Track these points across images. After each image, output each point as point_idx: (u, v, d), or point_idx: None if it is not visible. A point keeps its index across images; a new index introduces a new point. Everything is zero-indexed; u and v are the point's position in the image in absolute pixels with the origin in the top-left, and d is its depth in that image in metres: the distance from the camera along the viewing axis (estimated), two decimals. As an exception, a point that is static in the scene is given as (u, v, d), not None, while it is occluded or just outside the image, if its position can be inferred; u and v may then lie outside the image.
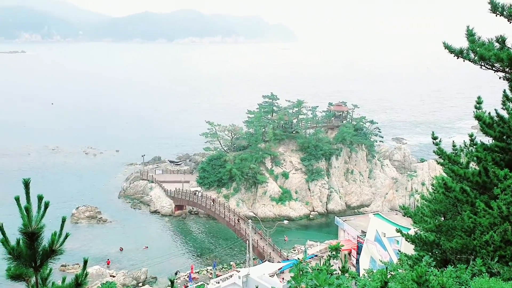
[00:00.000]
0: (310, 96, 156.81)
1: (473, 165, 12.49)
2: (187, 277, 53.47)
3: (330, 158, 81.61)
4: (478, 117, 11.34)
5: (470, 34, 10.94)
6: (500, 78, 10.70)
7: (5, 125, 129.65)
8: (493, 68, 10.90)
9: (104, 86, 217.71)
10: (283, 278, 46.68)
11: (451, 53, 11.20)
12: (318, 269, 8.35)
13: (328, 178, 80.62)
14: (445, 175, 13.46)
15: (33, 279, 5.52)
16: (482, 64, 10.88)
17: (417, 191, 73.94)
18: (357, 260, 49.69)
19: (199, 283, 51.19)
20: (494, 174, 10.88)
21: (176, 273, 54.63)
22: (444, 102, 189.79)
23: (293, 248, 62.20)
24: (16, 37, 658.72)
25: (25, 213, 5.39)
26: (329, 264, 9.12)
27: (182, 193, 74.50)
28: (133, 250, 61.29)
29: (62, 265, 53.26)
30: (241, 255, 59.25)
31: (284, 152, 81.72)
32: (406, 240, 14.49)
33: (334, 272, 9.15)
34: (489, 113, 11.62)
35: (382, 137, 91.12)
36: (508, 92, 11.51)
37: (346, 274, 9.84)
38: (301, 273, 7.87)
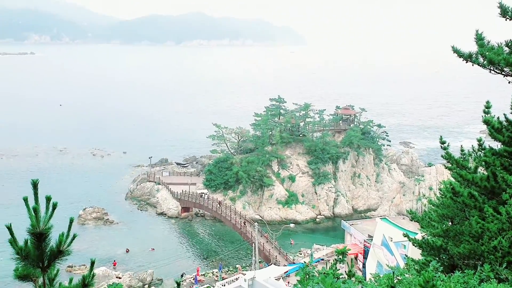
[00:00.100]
0: (317, 99, 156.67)
1: (481, 170, 12.41)
2: (193, 279, 53.48)
3: (337, 161, 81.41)
4: (486, 122, 11.27)
5: (479, 38, 10.89)
6: (509, 82, 10.62)
7: (14, 126, 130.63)
8: (503, 73, 10.83)
9: (112, 88, 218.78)
10: (289, 282, 46.57)
11: (460, 57, 11.14)
12: (324, 273, 8.33)
13: (335, 181, 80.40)
14: (453, 179, 13.38)
15: (41, 280, 5.55)
16: (491, 68, 10.81)
17: (424, 195, 73.55)
18: (364, 264, 49.48)
19: (205, 286, 51.20)
20: (503, 179, 10.80)
21: (182, 275, 54.67)
22: (452, 106, 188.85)
23: (299, 251, 62.05)
24: (26, 39, 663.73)
25: (33, 214, 5.43)
26: (336, 268, 9.10)
27: (189, 195, 74.62)
28: (140, 252, 61.42)
29: (68, 266, 53.49)
30: (247, 258, 59.19)
31: (291, 155, 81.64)
32: (413, 245, 14.41)
33: (341, 276, 9.12)
34: (498, 118, 11.55)
35: (390, 141, 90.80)
36: (517, 96, 11.42)
37: (353, 279, 9.81)
38: (307, 276, 7.86)
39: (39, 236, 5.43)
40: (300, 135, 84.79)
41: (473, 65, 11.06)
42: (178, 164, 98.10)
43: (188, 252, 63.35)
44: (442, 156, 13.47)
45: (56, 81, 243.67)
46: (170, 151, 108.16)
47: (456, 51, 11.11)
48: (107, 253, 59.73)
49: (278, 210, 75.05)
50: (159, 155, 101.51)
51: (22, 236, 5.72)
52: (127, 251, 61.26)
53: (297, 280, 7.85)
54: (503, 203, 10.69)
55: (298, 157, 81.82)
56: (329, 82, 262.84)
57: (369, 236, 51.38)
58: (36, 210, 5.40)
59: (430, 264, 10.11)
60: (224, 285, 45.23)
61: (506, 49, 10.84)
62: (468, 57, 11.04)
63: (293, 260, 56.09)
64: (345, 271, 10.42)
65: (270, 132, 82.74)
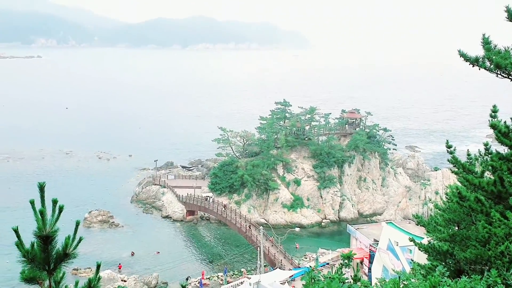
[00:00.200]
0: (322, 102, 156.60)
1: (488, 175, 12.34)
2: (198, 283, 53.46)
3: (342, 165, 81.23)
4: (493, 126, 11.21)
5: (486, 42, 10.85)
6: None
7: (21, 129, 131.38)
8: (509, 77, 10.79)
9: (118, 92, 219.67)
10: (294, 286, 46.48)
11: (466, 61, 11.10)
12: (330, 277, 8.30)
13: (340, 185, 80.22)
14: (459, 184, 13.32)
15: (47, 282, 5.56)
16: (498, 72, 10.77)
17: (430, 200, 73.23)
18: (369, 269, 49.28)
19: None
20: (510, 183, 10.73)
21: (187, 279, 54.67)
22: (458, 110, 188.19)
23: (305, 255, 61.91)
24: (33, 42, 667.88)
25: (40, 217, 5.45)
26: (341, 272, 9.07)
27: (194, 199, 74.67)
28: (145, 255, 61.49)
29: (74, 269, 53.58)
30: (252, 262, 59.12)
31: (296, 159, 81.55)
32: (419, 249, 14.34)
33: (346, 281, 9.08)
34: (505, 122, 11.48)
35: (396, 145, 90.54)
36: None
37: (358, 283, 9.77)
38: (313, 281, 7.84)
39: (45, 239, 5.45)
40: (306, 138, 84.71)
41: (479, 69, 11.01)
42: (183, 167, 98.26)
43: (193, 255, 63.34)
44: (448, 161, 13.40)
45: (63, 84, 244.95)
46: (175, 154, 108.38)
47: (462, 55, 11.07)
48: (113, 256, 59.83)
49: (283, 214, 74.93)
50: (165, 158, 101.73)
51: (28, 239, 5.74)
52: (132, 254, 61.33)
53: (303, 285, 7.83)
54: (510, 208, 10.62)
55: (304, 160, 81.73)
56: (335, 85, 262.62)
57: (375, 240, 51.18)
58: (42, 213, 5.42)
59: (436, 269, 10.06)
60: (229, 289, 45.17)
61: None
62: (474, 61, 10.99)
63: (298, 264, 55.95)
64: (351, 276, 10.38)
65: (276, 136, 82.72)
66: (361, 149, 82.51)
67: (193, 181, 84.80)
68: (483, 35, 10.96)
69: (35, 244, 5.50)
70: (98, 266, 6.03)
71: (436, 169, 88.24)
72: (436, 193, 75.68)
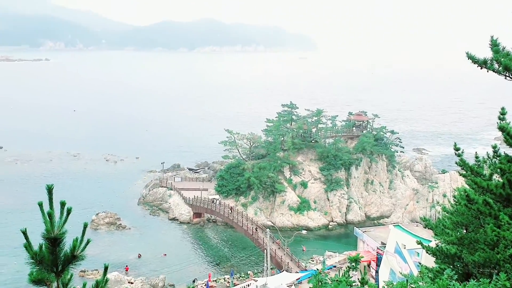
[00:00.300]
0: (329, 105, 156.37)
1: (496, 177, 12.26)
2: (205, 285, 53.47)
3: (349, 168, 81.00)
4: (501, 128, 11.14)
5: (494, 44, 10.79)
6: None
7: (29, 131, 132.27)
8: (518, 79, 10.72)
9: (125, 94, 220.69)
10: (300, 289, 46.32)
11: (474, 63, 11.05)
12: (337, 280, 8.28)
13: (347, 188, 79.99)
14: (467, 186, 13.24)
15: (55, 284, 5.59)
16: (507, 75, 10.71)
17: (438, 202, 72.84)
18: (377, 272, 49.05)
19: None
20: (519, 186, 10.65)
21: (193, 281, 54.70)
22: (466, 112, 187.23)
23: (311, 258, 61.75)
24: (41, 45, 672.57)
25: (48, 219, 5.48)
26: (348, 275, 9.04)
27: (201, 201, 74.76)
28: (152, 257, 61.61)
29: (81, 271, 53.78)
30: (259, 264, 59.05)
31: (303, 161, 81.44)
32: (427, 253, 14.27)
33: (354, 284, 9.06)
34: (514, 124, 11.40)
35: (403, 148, 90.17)
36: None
37: (366, 286, 9.74)
38: (320, 284, 7.82)
39: (53, 241, 5.48)
40: (312, 141, 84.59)
41: (488, 71, 10.96)
42: (190, 169, 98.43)
43: (200, 257, 63.39)
44: (456, 163, 13.34)
45: (70, 87, 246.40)
46: (182, 157, 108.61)
47: (470, 57, 11.02)
48: (120, 258, 59.98)
49: (290, 217, 74.82)
50: (172, 160, 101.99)
51: (37, 240, 5.77)
52: (139, 256, 61.48)
53: (310, 287, 7.81)
54: (519, 211, 10.54)
55: (310, 163, 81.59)
56: (341, 87, 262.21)
57: (382, 243, 50.96)
58: (50, 215, 5.45)
59: (444, 272, 10.00)
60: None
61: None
62: (483, 63, 10.94)
63: (305, 267, 55.82)
64: (358, 279, 10.34)
65: (282, 138, 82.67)
66: (368, 151, 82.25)
67: (199, 184, 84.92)
68: (491, 37, 10.92)
69: (43, 246, 5.53)
70: (106, 268, 6.05)
71: (444, 171, 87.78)
72: (444, 195, 75.27)
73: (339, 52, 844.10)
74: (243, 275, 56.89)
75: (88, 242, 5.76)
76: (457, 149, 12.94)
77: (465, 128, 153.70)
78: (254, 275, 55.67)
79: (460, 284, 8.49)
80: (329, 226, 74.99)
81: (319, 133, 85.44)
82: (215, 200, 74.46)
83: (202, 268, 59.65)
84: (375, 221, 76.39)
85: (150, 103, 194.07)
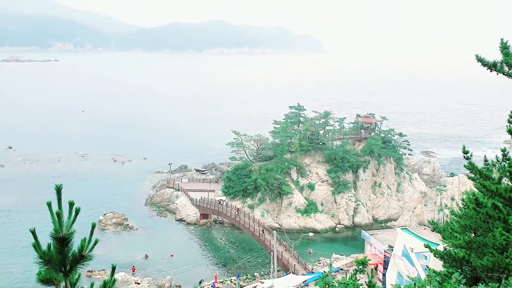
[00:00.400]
0: (337, 107, 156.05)
1: (505, 181, 12.17)
2: (211, 286, 53.49)
3: (357, 170, 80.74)
4: (511, 132, 11.07)
5: (504, 47, 10.71)
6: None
7: (37, 131, 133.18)
8: (528, 82, 10.63)
9: (133, 95, 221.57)
10: (307, 291, 46.19)
11: (484, 66, 10.98)
12: (344, 283, 8.25)
13: (355, 190, 79.71)
14: (476, 190, 13.14)
15: (63, 284, 5.62)
16: (517, 77, 10.62)
17: (446, 206, 72.37)
18: (384, 275, 48.83)
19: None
20: (528, 190, 10.57)
21: (200, 282, 54.75)
22: (475, 115, 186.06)
23: (318, 261, 61.56)
24: (50, 46, 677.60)
25: (57, 219, 5.50)
26: (356, 278, 9.01)
27: (208, 202, 74.84)
28: (158, 258, 61.74)
29: (88, 271, 53.97)
30: (266, 266, 58.98)
31: (310, 163, 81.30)
32: (435, 256, 14.17)
33: (361, 287, 9.02)
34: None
35: (411, 150, 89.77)
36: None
37: (373, 289, 9.68)
38: (327, 286, 7.79)
39: (62, 240, 5.51)
40: (320, 143, 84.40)
41: (497, 74, 10.88)
42: (197, 170, 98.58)
43: (207, 259, 63.43)
44: (465, 166, 13.25)
45: (79, 87, 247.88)
46: (189, 158, 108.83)
47: (480, 60, 10.95)
48: (126, 259, 60.16)
49: (297, 219, 74.69)
50: (179, 161, 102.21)
51: (45, 240, 5.80)
52: (146, 256, 61.63)
53: (317, 290, 7.79)
54: (529, 215, 10.45)
55: (318, 165, 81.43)
56: (349, 89, 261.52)
57: (390, 246, 50.74)
58: (59, 215, 5.48)
59: (452, 276, 9.94)
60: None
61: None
62: (492, 66, 10.87)
63: (312, 269, 55.67)
64: (365, 282, 10.30)
65: (289, 140, 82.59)
66: (376, 154, 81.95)
67: (207, 185, 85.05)
68: (501, 39, 10.83)
69: (51, 246, 5.56)
70: (113, 269, 6.07)
71: (452, 174, 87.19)
72: (452, 199, 74.79)
73: (346, 54, 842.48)
74: (250, 277, 56.85)
75: (96, 242, 5.78)
76: (465, 152, 12.86)
77: (474, 131, 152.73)
78: (261, 277, 55.61)
79: (468, 288, 8.42)
80: (336, 228, 74.74)
81: (327, 135, 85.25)
82: (221, 201, 74.52)
83: (208, 270, 59.68)
84: (383, 224, 76.08)
85: (158, 104, 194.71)
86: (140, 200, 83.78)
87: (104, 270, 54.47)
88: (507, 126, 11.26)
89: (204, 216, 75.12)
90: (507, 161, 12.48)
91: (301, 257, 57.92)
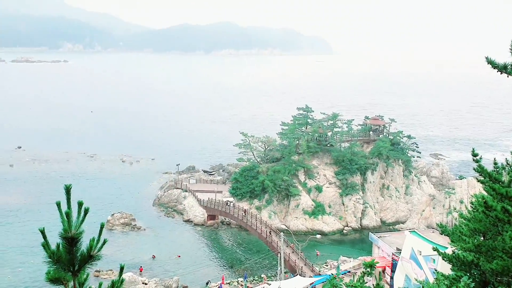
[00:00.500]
0: (345, 109, 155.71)
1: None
2: (218, 287, 53.50)
3: (365, 172, 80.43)
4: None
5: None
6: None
7: (46, 131, 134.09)
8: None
9: (141, 96, 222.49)
10: (314, 293, 46.06)
11: (494, 68, 10.90)
12: (352, 285, 8.22)
13: (363, 193, 79.40)
14: (485, 193, 13.04)
15: (71, 283, 5.64)
16: (527, 80, 10.54)
17: (455, 209, 71.93)
18: (392, 278, 48.57)
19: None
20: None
21: (207, 283, 54.78)
22: (485, 117, 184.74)
23: (326, 263, 61.37)
24: (60, 47, 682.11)
25: (66, 218, 5.53)
26: (363, 281, 8.98)
27: (215, 203, 74.93)
28: (166, 258, 61.89)
29: (96, 271, 54.17)
30: (273, 268, 58.91)
31: (318, 165, 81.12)
32: (443, 259, 14.08)
33: (368, 289, 8.97)
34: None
35: (420, 153, 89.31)
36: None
37: (381, 292, 9.64)
38: (334, 288, 7.77)
39: (70, 240, 5.54)
40: (328, 145, 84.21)
41: (508, 76, 10.80)
42: (205, 171, 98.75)
43: (214, 260, 63.48)
44: (474, 169, 13.15)
45: (88, 88, 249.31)
46: (197, 159, 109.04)
47: (490, 62, 10.88)
48: (134, 259, 60.36)
49: (305, 221, 74.54)
50: (187, 162, 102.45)
51: (54, 240, 5.83)
52: (154, 257, 61.79)
53: (324, 292, 7.78)
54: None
55: (326, 167, 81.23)
56: (358, 91, 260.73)
57: (398, 249, 50.44)
58: (68, 214, 5.51)
59: (461, 280, 9.87)
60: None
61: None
62: (502, 68, 10.79)
63: (319, 271, 55.52)
64: (373, 285, 10.26)
65: (297, 142, 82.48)
66: (384, 156, 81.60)
67: (214, 186, 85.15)
68: (512, 41, 10.75)
69: (60, 246, 5.59)
70: (122, 269, 6.09)
71: (461, 177, 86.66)
72: (461, 202, 74.30)
73: (356, 55, 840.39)
74: (257, 279, 56.82)
75: (104, 242, 5.80)
76: (475, 155, 12.77)
77: (483, 134, 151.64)
78: (268, 279, 55.54)
79: (477, 292, 8.36)
80: (344, 231, 74.49)
81: (335, 137, 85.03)
82: (229, 202, 74.57)
83: (215, 271, 59.73)
84: (391, 227, 75.70)
85: (166, 105, 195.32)
86: (148, 201, 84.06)
87: (111, 270, 54.68)
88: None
89: (211, 217, 75.20)
90: (517, 164, 12.39)
91: (308, 259, 57.80)
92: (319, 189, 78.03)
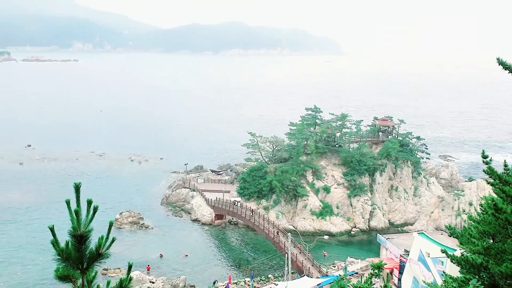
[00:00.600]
0: (354, 109, 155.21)
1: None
2: (225, 287, 53.56)
3: (374, 173, 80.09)
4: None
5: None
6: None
7: (56, 130, 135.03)
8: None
9: (150, 95, 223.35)
10: (321, 294, 45.95)
11: (505, 70, 10.82)
12: (359, 286, 8.20)
13: (371, 194, 79.08)
14: (495, 195, 12.95)
15: (80, 281, 5.68)
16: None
17: (464, 211, 71.45)
18: (399, 279, 48.36)
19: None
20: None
21: (214, 283, 54.85)
22: (495, 119, 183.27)
23: (333, 264, 61.21)
24: (70, 47, 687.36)
25: (75, 216, 5.57)
26: (371, 282, 8.95)
27: (223, 203, 75.02)
28: (173, 257, 62.06)
29: (104, 269, 54.45)
30: (280, 268, 58.86)
31: (326, 166, 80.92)
32: (452, 262, 13.99)
33: (376, 291, 8.93)
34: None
35: (429, 154, 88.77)
36: None
37: (388, 294, 9.60)
38: (342, 289, 7.75)
39: (79, 238, 5.57)
40: (336, 145, 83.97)
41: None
42: (212, 171, 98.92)
43: (221, 259, 63.56)
44: (484, 171, 13.07)
45: (97, 87, 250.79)
46: (205, 158, 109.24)
47: (501, 63, 10.80)
48: (142, 258, 60.58)
49: (312, 221, 74.40)
50: (195, 162, 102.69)
51: (63, 237, 5.87)
52: (161, 256, 61.99)
53: (332, 293, 7.76)
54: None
55: (334, 168, 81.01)
56: (367, 92, 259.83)
57: (406, 251, 50.22)
58: (77, 212, 5.54)
59: (470, 283, 9.80)
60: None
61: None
62: (513, 70, 10.71)
63: (327, 272, 55.39)
64: (380, 286, 10.22)
65: (305, 142, 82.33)
66: (393, 157, 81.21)
67: (222, 185, 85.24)
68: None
69: (69, 243, 5.63)
70: (130, 267, 6.12)
71: (470, 179, 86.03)
72: (470, 204, 73.76)
73: (365, 55, 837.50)
74: (264, 279, 56.80)
75: (113, 240, 5.83)
76: (485, 157, 12.68)
77: (494, 135, 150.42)
78: (275, 279, 55.52)
79: (486, 295, 8.30)
80: (352, 232, 74.23)
81: (343, 138, 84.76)
82: (236, 202, 74.61)
83: (223, 270, 59.80)
84: (399, 228, 75.31)
85: (175, 104, 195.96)
86: (156, 200, 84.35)
87: (119, 268, 54.92)
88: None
89: (219, 216, 75.30)
90: (528, 167, 12.28)
91: (315, 260, 57.68)
92: (327, 189, 77.83)
